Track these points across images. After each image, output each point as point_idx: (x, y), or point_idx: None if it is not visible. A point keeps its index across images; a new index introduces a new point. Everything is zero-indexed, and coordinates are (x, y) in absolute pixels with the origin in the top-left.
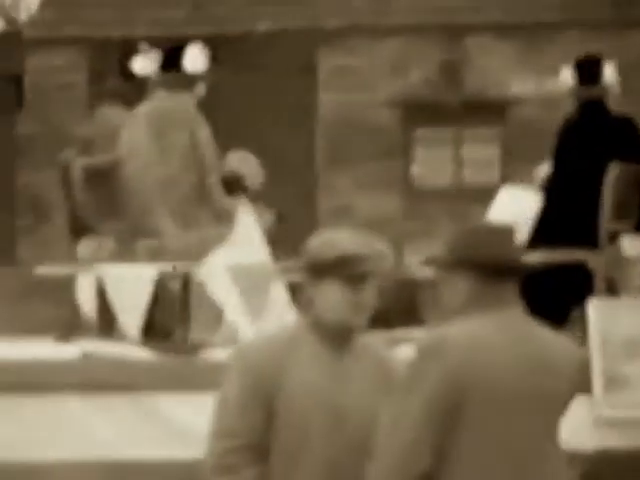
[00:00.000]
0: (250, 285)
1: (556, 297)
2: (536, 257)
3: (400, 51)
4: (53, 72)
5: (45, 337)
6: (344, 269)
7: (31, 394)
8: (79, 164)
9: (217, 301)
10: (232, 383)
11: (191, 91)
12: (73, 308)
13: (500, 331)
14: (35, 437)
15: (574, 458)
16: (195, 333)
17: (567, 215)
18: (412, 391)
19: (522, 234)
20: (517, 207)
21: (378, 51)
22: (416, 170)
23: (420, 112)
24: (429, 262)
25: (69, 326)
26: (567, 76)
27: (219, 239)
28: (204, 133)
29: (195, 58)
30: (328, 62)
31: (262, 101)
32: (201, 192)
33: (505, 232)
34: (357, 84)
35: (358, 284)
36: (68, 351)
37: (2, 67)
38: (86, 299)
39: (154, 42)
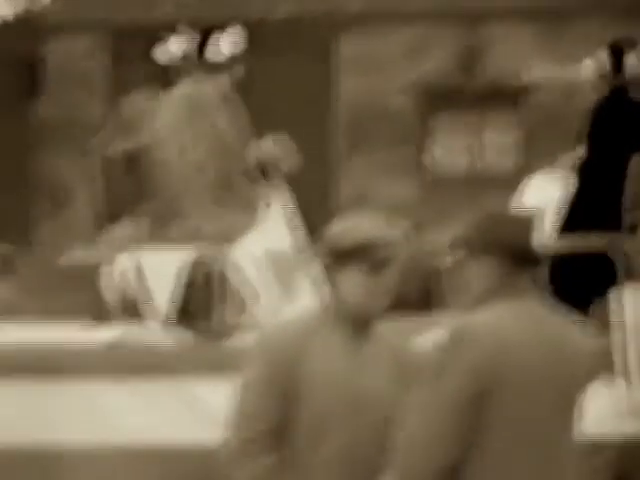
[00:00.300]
0: (281, 270)
1: (580, 283)
2: (563, 243)
3: (419, 37)
4: (73, 57)
5: (77, 322)
6: (365, 255)
7: (62, 379)
8: (114, 148)
9: (248, 285)
10: (252, 369)
11: (227, 75)
12: (105, 292)
13: (524, 319)
14: (66, 422)
15: (598, 447)
16: (226, 317)
17: (595, 202)
18: (440, 380)
19: (549, 221)
20: (545, 194)
21: (397, 37)
22: (434, 156)
23: (439, 98)
24: (454, 247)
25: (101, 311)
26: (599, 62)
27: (251, 224)
28: (233, 118)
29: (231, 42)
30: (347, 48)
31: (280, 86)
32: (231, 177)
33: (527, 221)
34: (376, 70)
35: (378, 270)
36: (99, 336)
37: (21, 52)
38: (118, 283)
39: (172, 27)
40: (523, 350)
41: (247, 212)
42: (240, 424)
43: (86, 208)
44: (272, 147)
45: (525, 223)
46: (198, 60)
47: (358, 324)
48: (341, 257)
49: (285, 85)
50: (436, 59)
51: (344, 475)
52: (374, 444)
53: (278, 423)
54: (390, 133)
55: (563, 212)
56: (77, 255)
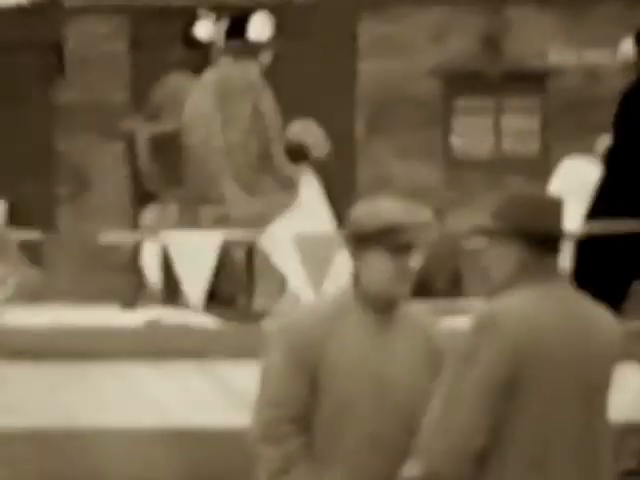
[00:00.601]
0: (313, 254)
1: (614, 269)
2: (595, 228)
3: (441, 20)
4: (94, 40)
5: (110, 305)
6: (388, 238)
7: (96, 361)
8: (145, 131)
9: (280, 269)
10: (277, 353)
11: (256, 59)
12: (138, 276)
13: (552, 303)
14: (100, 403)
15: (633, 430)
16: (258, 301)
17: (623, 189)
18: (468, 366)
19: (583, 205)
20: (579, 178)
21: (419, 20)
22: (456, 140)
23: (460, 82)
24: (478, 231)
25: (134, 294)
26: (628, 48)
27: (283, 207)
28: (267, 102)
29: (260, 26)
30: (369, 31)
31: (303, 70)
32: (264, 160)
33: (554, 203)
34: (398, 53)
35: (402, 253)
36: (133, 318)
37: (43, 35)
38: (151, 266)
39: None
40: (552, 333)
41: (277, 197)
42: (264, 409)
43: (109, 191)
44: (301, 132)
45: (551, 206)
46: (228, 44)
47: (382, 308)
48: (364, 241)
49: (308, 68)
50: (459, 43)
51: (369, 460)
52: (400, 429)
53: (302, 408)
54: (412, 116)
55: (593, 197)
56: (110, 238)
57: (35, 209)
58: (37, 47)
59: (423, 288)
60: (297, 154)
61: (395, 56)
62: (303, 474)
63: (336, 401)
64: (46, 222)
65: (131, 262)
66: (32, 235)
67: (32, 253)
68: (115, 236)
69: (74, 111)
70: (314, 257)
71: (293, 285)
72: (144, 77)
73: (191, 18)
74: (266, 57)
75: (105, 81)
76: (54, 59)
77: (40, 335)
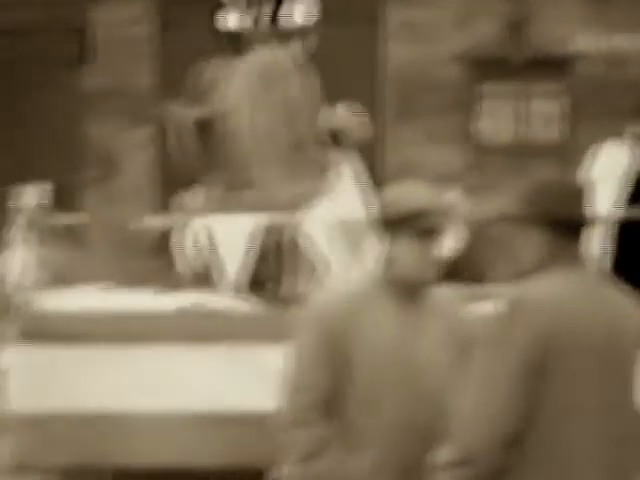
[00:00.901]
0: (349, 238)
1: None
2: (634, 213)
3: (467, 5)
4: (119, 25)
5: (146, 289)
6: (417, 223)
7: (132, 345)
8: (188, 115)
9: (316, 254)
10: (307, 338)
11: (294, 45)
12: (174, 260)
13: (577, 289)
14: (135, 387)
15: None
16: (291, 286)
17: None
18: (500, 351)
19: (619, 190)
20: (614, 163)
21: (445, 5)
22: (481, 125)
23: (486, 67)
24: (504, 217)
25: (170, 278)
26: None
27: (317, 193)
28: (307, 86)
29: (300, 11)
30: (395, 15)
31: (328, 54)
32: (301, 145)
33: (579, 189)
34: (424, 38)
35: (429, 238)
36: (168, 302)
37: (68, 20)
38: (191, 250)
39: None
40: (579, 318)
41: (318, 180)
42: (294, 394)
43: (136, 176)
44: (344, 115)
45: (576, 192)
46: (271, 28)
47: (410, 292)
48: (392, 225)
49: (332, 53)
50: (484, 28)
51: (397, 444)
52: (429, 412)
53: (331, 392)
54: (438, 101)
55: (624, 184)
56: (152, 222)
57: (63, 193)
58: (63, 32)
59: (451, 272)
60: (334, 138)
61: (421, 41)
62: (333, 458)
63: (366, 385)
64: (73, 206)
65: (168, 246)
66: (73, 219)
67: (73, 237)
68: (156, 220)
69: (101, 96)
70: (350, 241)
71: (329, 269)
72: (171, 61)
73: (217, 6)
74: (311, 41)
75: (132, 65)
76: (81, 44)
77: (77, 319)
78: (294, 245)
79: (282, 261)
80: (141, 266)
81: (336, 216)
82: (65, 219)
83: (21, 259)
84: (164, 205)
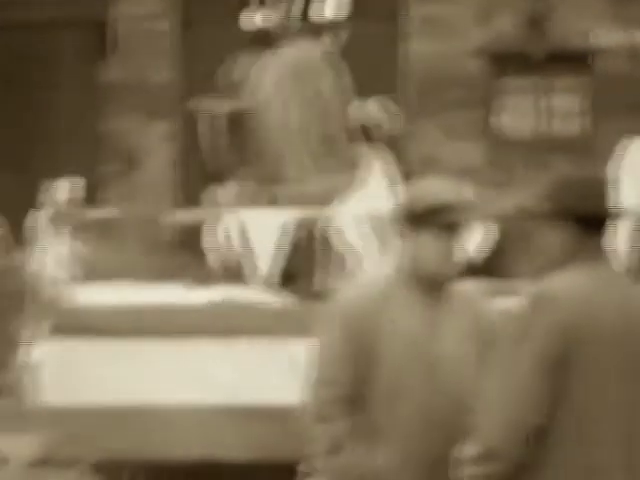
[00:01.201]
0: (379, 232)
1: None
2: None
3: (488, 0)
4: (139, 20)
5: (177, 283)
6: (438, 218)
7: (163, 339)
8: (220, 110)
9: (346, 248)
10: (330, 333)
11: (324, 39)
12: (205, 254)
13: (600, 283)
14: (166, 381)
15: None
16: (321, 279)
17: None
18: (521, 344)
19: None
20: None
21: (466, 0)
22: (501, 120)
23: (506, 62)
24: (526, 213)
25: (202, 272)
26: None
27: (349, 186)
28: (334, 82)
29: (330, 7)
30: (416, 11)
31: (349, 49)
32: (331, 140)
33: (601, 185)
34: (444, 33)
35: (451, 233)
36: (199, 296)
37: (88, 14)
38: (220, 245)
39: None
40: (601, 311)
41: (349, 174)
42: (317, 388)
43: (156, 170)
44: (375, 109)
45: (597, 187)
46: (302, 23)
47: (432, 287)
48: (414, 220)
49: (354, 49)
50: (504, 22)
51: (420, 439)
52: (451, 407)
53: (353, 387)
54: (458, 97)
55: None
56: (178, 216)
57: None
58: (84, 26)
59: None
60: (364, 133)
61: (441, 37)
62: (355, 453)
63: (388, 380)
64: (92, 200)
65: (198, 240)
66: (104, 213)
67: (103, 232)
68: (188, 214)
69: (121, 90)
70: (380, 235)
71: (359, 263)
72: (192, 57)
73: (241, 3)
74: (341, 36)
75: (152, 60)
76: (102, 39)
77: (108, 313)
78: (325, 239)
79: (313, 255)
80: (172, 260)
81: (367, 210)
82: (96, 213)
83: (53, 253)
84: (184, 199)
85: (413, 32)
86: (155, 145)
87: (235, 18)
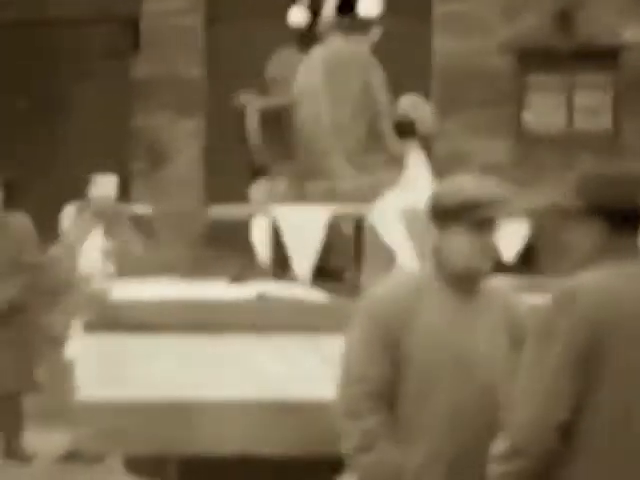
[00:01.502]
0: (421, 229)
1: None
2: None
3: None
4: (169, 16)
5: (220, 278)
6: (469, 214)
7: (202, 334)
8: (256, 106)
9: (388, 244)
10: (361, 330)
11: (366, 36)
12: (248, 250)
13: (630, 280)
14: (208, 376)
15: None
16: (366, 275)
17: None
18: (548, 341)
19: None
20: None
21: None
22: (528, 116)
23: (533, 58)
24: (557, 209)
25: (244, 267)
26: None
27: (391, 183)
28: (378, 78)
29: (370, 2)
30: (442, 7)
31: (376, 47)
32: (373, 136)
33: (632, 181)
34: (471, 29)
35: (483, 229)
36: (243, 292)
37: (119, 11)
38: (260, 241)
39: None
40: (630, 308)
41: (386, 173)
42: (347, 385)
43: (184, 167)
44: (409, 107)
45: (630, 184)
46: (338, 21)
47: (464, 284)
48: (446, 217)
49: (380, 44)
50: (532, 19)
51: (452, 434)
52: (482, 404)
53: (385, 384)
54: (485, 93)
55: None
56: (220, 212)
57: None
58: (113, 22)
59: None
60: (405, 130)
61: (467, 33)
62: (385, 450)
63: (419, 376)
64: (121, 197)
65: (241, 236)
66: (143, 209)
67: (142, 227)
68: (225, 210)
69: (150, 86)
70: (422, 232)
71: (401, 260)
72: (220, 53)
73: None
74: (376, 34)
75: (181, 56)
76: (130, 34)
77: (149, 309)
78: (364, 235)
79: (354, 251)
80: (207, 255)
81: (406, 206)
82: (131, 209)
83: (89, 249)
84: (212, 195)
85: (439, 28)
86: (183, 141)
87: (263, 14)
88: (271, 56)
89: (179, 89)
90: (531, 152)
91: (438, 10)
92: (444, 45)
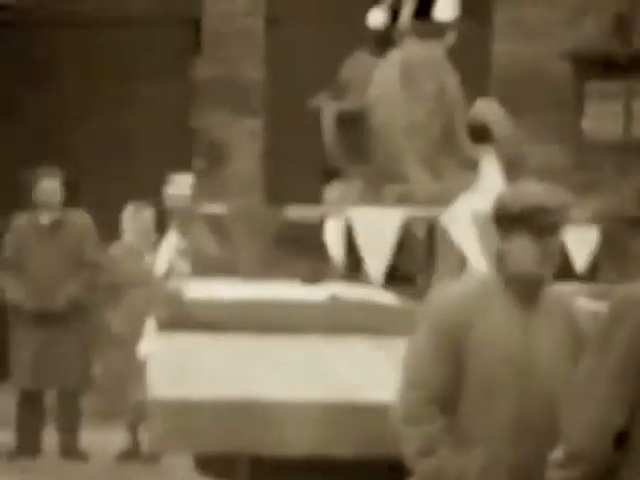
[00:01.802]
0: (492, 234)
1: None
2: None
3: (575, 3)
4: (231, 17)
5: (293, 279)
6: (532, 220)
7: (274, 335)
8: (331, 108)
9: (461, 248)
10: (424, 335)
11: (441, 39)
12: (321, 251)
13: None
14: (279, 376)
15: None
16: (438, 279)
17: None
18: (606, 347)
19: None
20: None
21: (553, 2)
22: (587, 123)
23: (592, 65)
24: (618, 216)
25: (316, 269)
26: None
27: (464, 186)
28: (453, 81)
29: (446, 6)
30: (503, 12)
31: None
32: (448, 140)
33: None
34: (531, 35)
35: (546, 235)
36: (315, 293)
37: (181, 11)
38: (334, 242)
39: None
40: None
41: (460, 177)
42: (407, 390)
43: (244, 167)
44: (484, 111)
45: None
46: (414, 24)
47: (526, 290)
48: (509, 222)
49: None
50: (591, 26)
51: (512, 441)
52: (543, 411)
53: (446, 389)
54: (543, 99)
55: None
56: (295, 213)
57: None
58: (175, 22)
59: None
60: (480, 134)
61: (527, 39)
62: (445, 455)
63: (480, 383)
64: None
65: (315, 238)
66: (217, 209)
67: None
68: (300, 212)
69: (210, 87)
70: (491, 237)
71: (473, 264)
72: (281, 54)
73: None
74: (451, 37)
75: (241, 57)
76: (192, 35)
77: (222, 308)
78: (437, 239)
79: (426, 255)
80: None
81: (479, 211)
82: (212, 209)
83: (164, 248)
84: (272, 196)
85: (499, 34)
86: (244, 141)
87: (326, 15)
88: (344, 59)
89: (239, 90)
90: (588, 159)
91: (499, 15)
92: (503, 50)
